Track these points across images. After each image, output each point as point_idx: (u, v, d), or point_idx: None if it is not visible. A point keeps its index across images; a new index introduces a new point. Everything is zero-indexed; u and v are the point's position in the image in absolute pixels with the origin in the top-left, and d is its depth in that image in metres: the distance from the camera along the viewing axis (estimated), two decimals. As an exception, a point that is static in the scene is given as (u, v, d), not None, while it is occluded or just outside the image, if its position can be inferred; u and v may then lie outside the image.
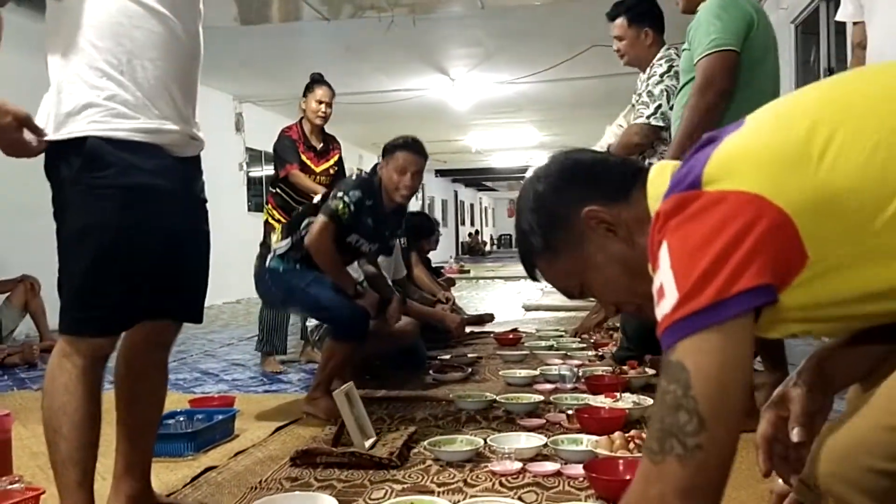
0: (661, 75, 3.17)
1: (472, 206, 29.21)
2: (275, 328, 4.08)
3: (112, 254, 1.53)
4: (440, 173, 21.08)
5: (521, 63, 8.02)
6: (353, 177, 3.07)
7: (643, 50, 3.26)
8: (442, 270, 6.67)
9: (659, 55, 3.25)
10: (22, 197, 4.65)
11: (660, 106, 3.14)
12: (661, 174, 1.03)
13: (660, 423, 0.83)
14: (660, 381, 0.85)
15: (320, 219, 2.86)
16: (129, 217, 1.52)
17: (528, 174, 1.16)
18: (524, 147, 15.67)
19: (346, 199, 2.85)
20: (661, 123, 3.14)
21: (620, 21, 3.30)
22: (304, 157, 4.04)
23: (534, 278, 1.17)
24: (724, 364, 0.80)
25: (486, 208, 33.09)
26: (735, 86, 2.34)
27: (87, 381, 1.56)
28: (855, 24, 2.11)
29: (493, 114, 11.14)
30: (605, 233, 1.05)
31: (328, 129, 4.22)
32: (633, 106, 3.39)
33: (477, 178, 24.43)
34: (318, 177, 4.11)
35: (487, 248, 27.67)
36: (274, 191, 4.16)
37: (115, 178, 1.50)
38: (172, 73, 1.58)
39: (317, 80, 4.11)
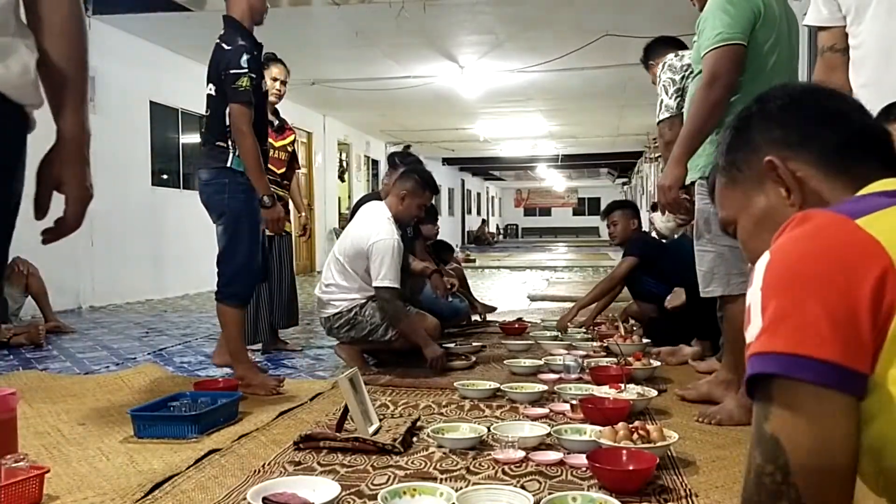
0: (660, 74, 3.33)
1: (479, 195, 29.14)
2: None
3: None
4: (447, 161, 21.00)
5: (531, 52, 7.95)
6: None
7: None
8: (456, 255, 6.52)
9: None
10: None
11: (661, 101, 3.29)
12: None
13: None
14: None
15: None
16: None
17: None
18: (532, 136, 15.61)
19: None
20: (665, 115, 3.29)
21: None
22: None
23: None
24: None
25: (492, 197, 33.01)
26: (741, 78, 2.34)
27: None
28: (823, 28, 2.04)
29: (502, 102, 11.09)
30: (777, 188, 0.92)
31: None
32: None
33: (484, 167, 24.37)
34: (277, 151, 4.08)
35: (494, 237, 27.69)
36: None
37: None
38: None
39: (271, 58, 4.00)
